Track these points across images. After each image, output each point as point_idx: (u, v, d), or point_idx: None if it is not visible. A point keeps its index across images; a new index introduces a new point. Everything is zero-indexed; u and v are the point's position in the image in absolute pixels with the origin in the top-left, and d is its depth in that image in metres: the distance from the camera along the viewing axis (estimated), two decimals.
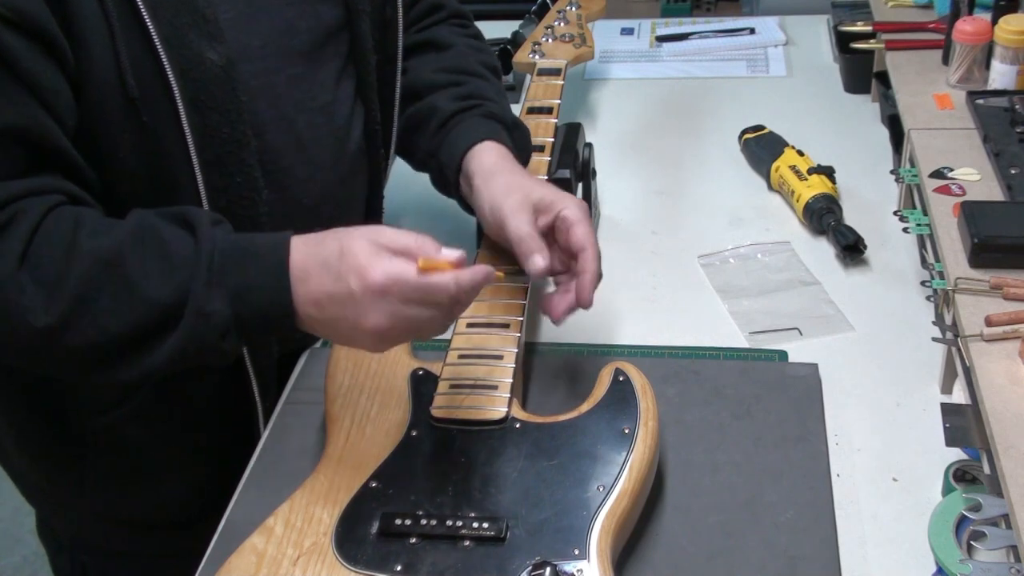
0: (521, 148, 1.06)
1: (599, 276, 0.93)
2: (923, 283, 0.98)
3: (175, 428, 1.02)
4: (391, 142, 1.12)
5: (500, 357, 0.91)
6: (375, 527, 0.79)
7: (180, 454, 1.04)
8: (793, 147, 1.29)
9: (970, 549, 0.79)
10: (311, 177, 1.01)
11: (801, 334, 1.05)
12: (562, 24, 1.49)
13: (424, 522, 0.78)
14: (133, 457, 1.03)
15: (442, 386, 0.89)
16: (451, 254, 0.80)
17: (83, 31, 0.82)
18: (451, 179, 1.03)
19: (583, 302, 0.92)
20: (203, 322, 0.80)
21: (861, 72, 1.47)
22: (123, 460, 1.03)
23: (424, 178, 1.12)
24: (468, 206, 1.05)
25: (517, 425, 0.86)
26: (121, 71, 0.84)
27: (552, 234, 0.95)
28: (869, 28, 1.45)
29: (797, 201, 1.22)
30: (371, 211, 1.14)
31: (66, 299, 0.79)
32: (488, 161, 1.00)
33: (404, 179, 1.37)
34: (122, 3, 0.83)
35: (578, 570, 0.74)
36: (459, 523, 0.78)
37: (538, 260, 0.90)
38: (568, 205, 0.93)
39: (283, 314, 0.81)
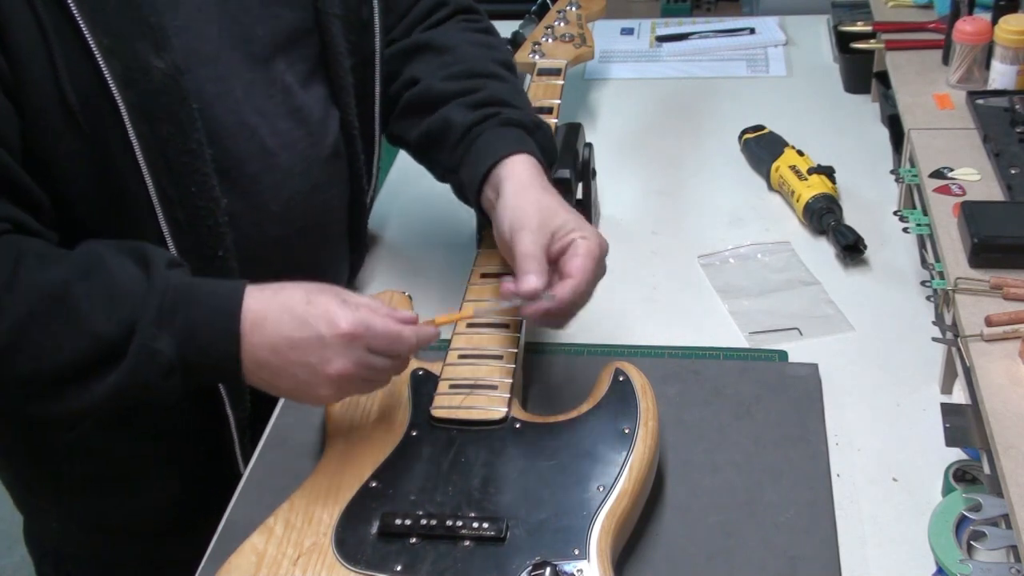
0: (545, 148, 1.01)
1: (571, 310, 0.89)
2: (923, 283, 0.98)
3: (144, 439, 1.01)
4: (374, 144, 1.10)
5: (500, 357, 0.91)
6: (375, 527, 0.79)
7: (152, 463, 1.03)
8: (793, 147, 1.29)
9: (970, 549, 0.79)
10: (279, 183, 0.98)
11: (801, 334, 1.05)
12: (562, 24, 1.49)
13: (424, 522, 0.78)
14: (106, 466, 1.02)
15: (442, 386, 0.89)
16: (402, 318, 0.84)
17: (16, 41, 0.80)
18: (472, 199, 0.99)
19: (547, 320, 0.90)
20: (147, 359, 0.78)
21: (861, 72, 1.47)
22: (96, 469, 1.03)
23: (421, 181, 1.12)
24: (487, 216, 0.99)
25: (517, 425, 0.86)
26: (59, 82, 0.82)
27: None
28: (869, 28, 1.45)
29: (797, 201, 1.22)
30: (354, 216, 1.11)
31: (4, 331, 0.77)
32: (518, 176, 0.95)
33: (401, 183, 1.37)
34: (56, 12, 0.81)
35: (578, 570, 0.74)
36: (459, 523, 0.78)
37: (532, 279, 0.86)
38: (587, 235, 0.89)
39: (229, 359, 0.80)
